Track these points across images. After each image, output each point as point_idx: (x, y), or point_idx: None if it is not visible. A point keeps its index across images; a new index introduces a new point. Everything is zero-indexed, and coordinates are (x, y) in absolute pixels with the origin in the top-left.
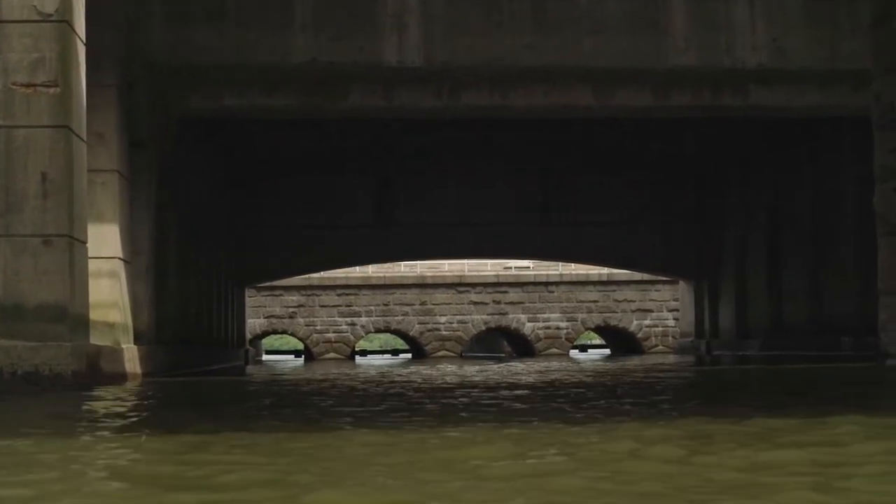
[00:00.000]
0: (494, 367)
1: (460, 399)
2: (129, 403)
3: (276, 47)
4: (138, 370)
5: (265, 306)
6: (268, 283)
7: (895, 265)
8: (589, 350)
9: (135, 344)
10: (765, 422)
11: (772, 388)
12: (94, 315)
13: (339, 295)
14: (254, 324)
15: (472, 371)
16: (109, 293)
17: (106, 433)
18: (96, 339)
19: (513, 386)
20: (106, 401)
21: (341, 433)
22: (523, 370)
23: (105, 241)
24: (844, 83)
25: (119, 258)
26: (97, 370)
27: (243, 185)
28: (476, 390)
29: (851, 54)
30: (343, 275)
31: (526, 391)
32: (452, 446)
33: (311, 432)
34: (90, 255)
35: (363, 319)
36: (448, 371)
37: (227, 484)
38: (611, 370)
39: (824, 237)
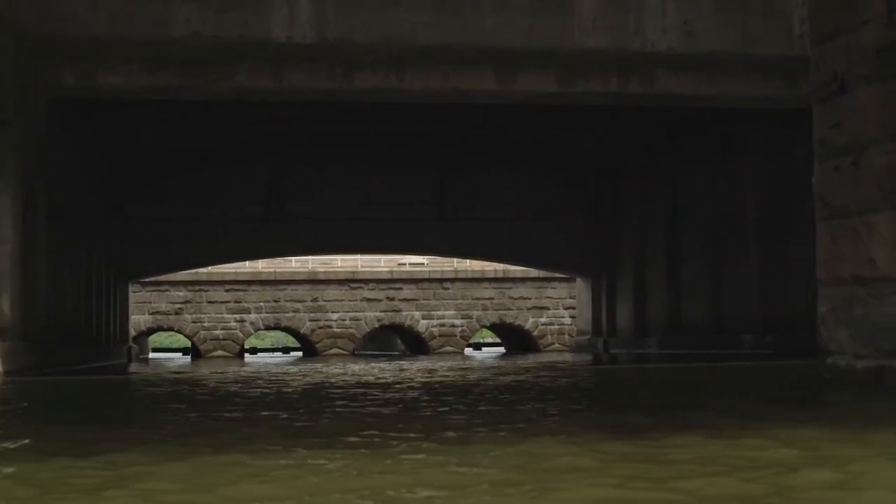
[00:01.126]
0: (384, 365)
1: (336, 405)
2: None
3: (156, 19)
4: None
5: (150, 302)
6: (153, 278)
7: (838, 252)
8: (483, 348)
9: None
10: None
11: (716, 390)
12: None
13: (227, 291)
14: (138, 320)
15: (358, 370)
16: None
17: None
18: None
19: (389, 387)
20: None
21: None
22: (419, 369)
23: None
24: (754, 71)
25: None
26: None
27: (126, 175)
28: (373, 390)
29: (762, 38)
30: (232, 270)
31: (399, 396)
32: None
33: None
34: None
35: (252, 316)
36: (332, 372)
37: None
38: (505, 369)
39: (725, 234)
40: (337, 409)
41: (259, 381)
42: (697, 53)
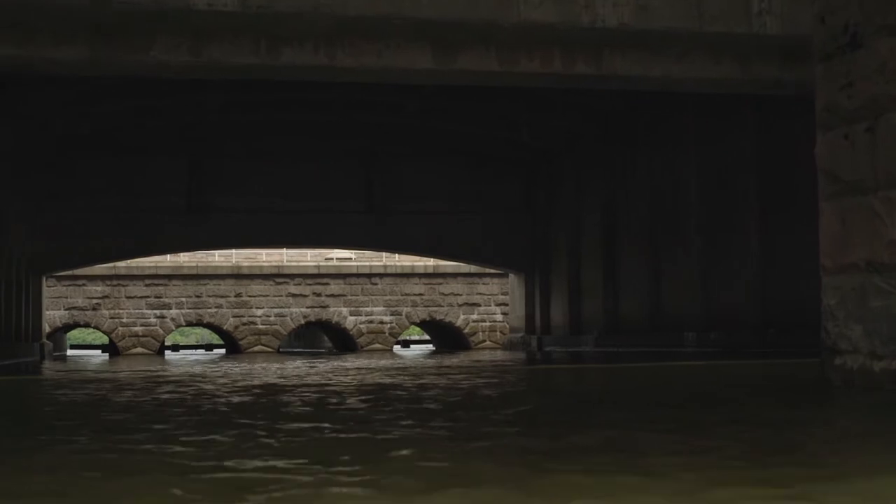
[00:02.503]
0: (323, 364)
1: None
2: None
3: None
4: None
5: (66, 297)
6: (69, 272)
7: (848, 235)
8: (411, 346)
9: None
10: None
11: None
12: None
13: (147, 285)
14: (53, 316)
15: (283, 369)
16: None
17: None
18: None
19: (322, 390)
20: None
21: None
22: (354, 368)
23: None
24: (707, 53)
25: None
26: None
27: (38, 164)
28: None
29: (720, 15)
30: (152, 264)
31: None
32: None
33: None
34: None
35: (173, 312)
36: (236, 371)
37: None
38: (447, 367)
39: (665, 226)
40: (300, 428)
41: (180, 382)
42: (650, 29)
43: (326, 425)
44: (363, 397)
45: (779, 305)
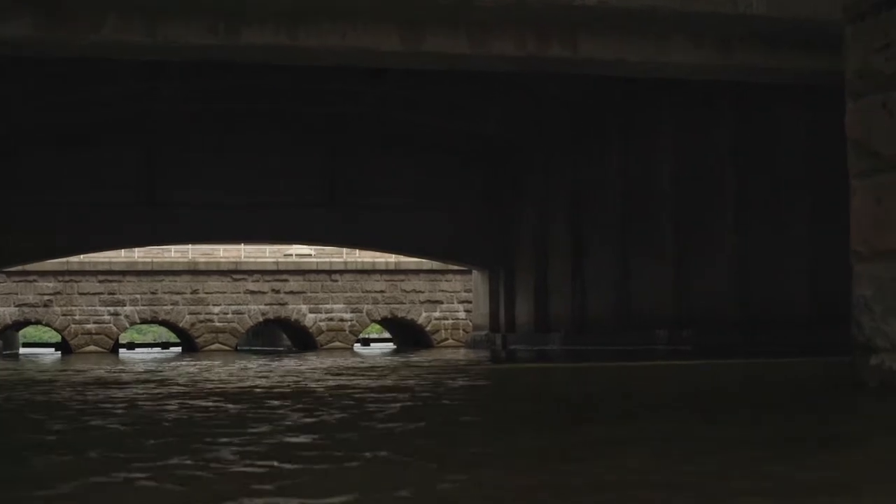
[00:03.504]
0: (291, 363)
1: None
2: None
3: None
4: None
5: (17, 293)
6: (19, 268)
7: (889, 216)
8: (371, 344)
9: None
10: None
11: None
12: None
13: (100, 281)
14: (3, 313)
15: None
16: None
17: None
18: None
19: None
20: None
21: None
22: (317, 368)
23: None
24: (687, 36)
25: None
26: None
27: None
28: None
29: None
30: (106, 259)
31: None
32: None
33: None
34: None
35: (128, 309)
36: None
37: None
38: (417, 365)
39: (636, 220)
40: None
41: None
42: (630, 8)
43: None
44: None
45: (757, 302)
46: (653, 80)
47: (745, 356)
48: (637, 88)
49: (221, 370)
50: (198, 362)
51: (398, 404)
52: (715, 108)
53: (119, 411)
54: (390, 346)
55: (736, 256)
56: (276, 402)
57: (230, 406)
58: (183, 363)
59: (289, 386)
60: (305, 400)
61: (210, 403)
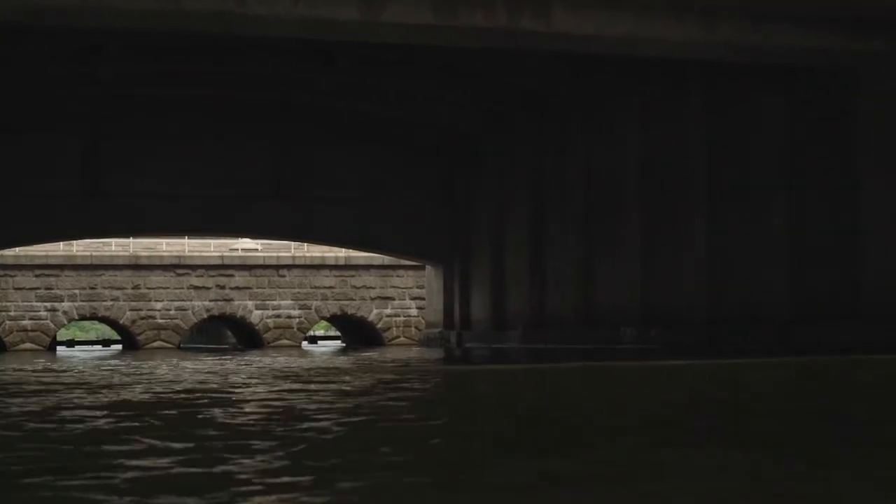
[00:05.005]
0: (233, 364)
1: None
2: None
3: None
4: None
5: None
6: None
7: None
8: (319, 342)
9: None
10: None
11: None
12: None
13: (37, 276)
14: None
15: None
16: None
17: None
18: None
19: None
20: None
21: None
22: (268, 369)
23: None
24: (668, 9)
25: None
26: None
27: None
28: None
29: None
30: (42, 252)
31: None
32: None
33: None
34: None
35: (66, 305)
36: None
37: None
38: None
39: (601, 216)
40: None
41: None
42: None
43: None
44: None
45: (729, 299)
46: (619, 66)
47: (716, 356)
48: (602, 75)
49: (139, 372)
50: (128, 362)
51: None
52: (686, 95)
53: None
54: (338, 344)
55: (707, 250)
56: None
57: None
58: (104, 362)
59: (185, 399)
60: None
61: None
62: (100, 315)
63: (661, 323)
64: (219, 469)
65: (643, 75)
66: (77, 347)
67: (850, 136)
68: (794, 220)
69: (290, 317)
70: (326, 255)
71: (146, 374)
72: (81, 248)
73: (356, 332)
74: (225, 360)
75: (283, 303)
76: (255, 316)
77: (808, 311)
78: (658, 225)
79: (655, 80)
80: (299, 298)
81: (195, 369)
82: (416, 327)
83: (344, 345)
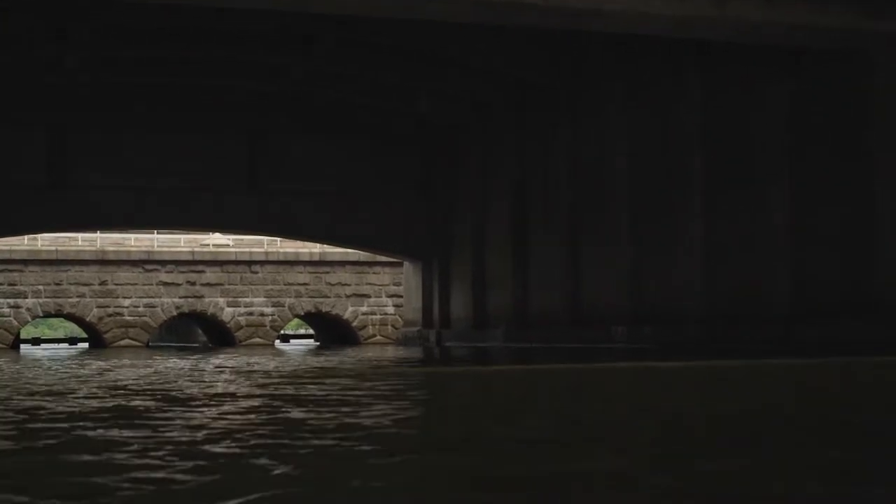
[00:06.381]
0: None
1: None
2: None
3: None
4: None
5: None
6: None
7: None
8: (291, 340)
9: None
10: None
11: None
12: None
13: None
14: None
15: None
16: None
17: None
18: None
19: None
20: None
21: None
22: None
23: None
24: None
25: None
26: None
27: None
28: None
29: None
30: (5, 246)
31: None
32: None
33: None
34: None
35: (29, 301)
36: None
37: None
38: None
39: (588, 209)
40: None
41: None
42: None
43: None
44: None
45: (726, 295)
46: (606, 51)
47: (715, 356)
48: (588, 60)
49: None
50: (90, 362)
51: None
52: (681, 80)
53: None
54: (312, 342)
55: (703, 244)
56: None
57: None
58: (63, 363)
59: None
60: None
61: None
62: (65, 312)
63: (654, 321)
64: None
65: (632, 61)
66: (42, 346)
67: (860, 123)
68: (798, 210)
69: (262, 314)
70: (300, 250)
71: (83, 375)
72: (46, 242)
73: (331, 330)
74: (186, 359)
75: (255, 300)
76: (227, 313)
77: (811, 307)
78: (649, 218)
79: (646, 66)
80: (272, 295)
81: (142, 374)
82: (392, 326)
83: (318, 343)
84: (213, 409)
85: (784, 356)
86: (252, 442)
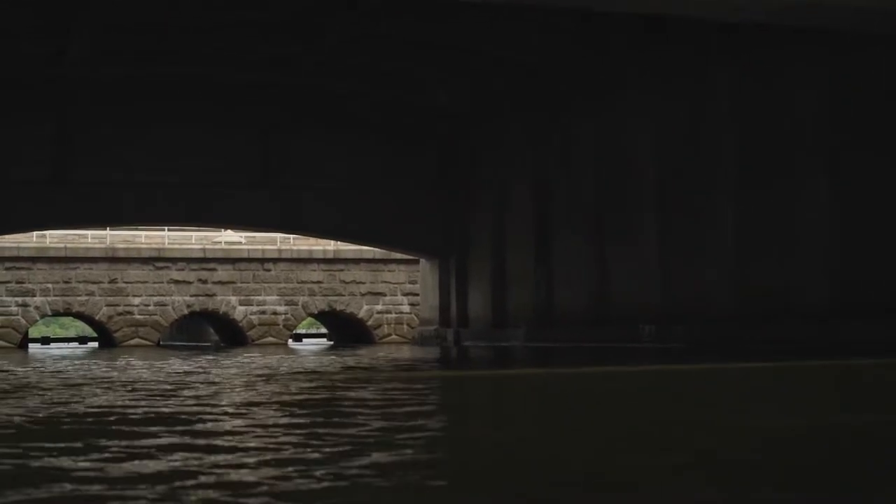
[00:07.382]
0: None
1: None
2: None
3: None
4: None
5: None
6: None
7: None
8: (304, 339)
9: None
10: None
11: None
12: None
13: (7, 269)
14: None
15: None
16: None
17: None
18: None
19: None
20: None
21: None
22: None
23: None
24: None
25: None
26: None
27: None
28: None
29: None
30: (13, 244)
31: None
32: None
33: None
34: None
35: (38, 300)
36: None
37: None
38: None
39: (614, 203)
40: None
41: None
42: None
43: None
44: None
45: (760, 291)
46: (630, 35)
47: (756, 357)
48: (610, 44)
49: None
50: (95, 362)
51: None
52: (709, 68)
53: None
54: (325, 342)
55: (735, 238)
56: None
57: None
58: (63, 364)
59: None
60: None
61: None
62: (74, 311)
63: (684, 319)
64: None
65: (656, 48)
66: (52, 345)
67: None
68: (837, 201)
69: (275, 313)
70: (314, 248)
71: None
72: (55, 239)
73: (345, 329)
74: (196, 359)
75: (268, 298)
76: (239, 312)
77: (854, 301)
78: (679, 210)
79: (672, 52)
80: (285, 294)
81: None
82: (408, 325)
83: (333, 342)
84: None
85: (825, 356)
86: None
